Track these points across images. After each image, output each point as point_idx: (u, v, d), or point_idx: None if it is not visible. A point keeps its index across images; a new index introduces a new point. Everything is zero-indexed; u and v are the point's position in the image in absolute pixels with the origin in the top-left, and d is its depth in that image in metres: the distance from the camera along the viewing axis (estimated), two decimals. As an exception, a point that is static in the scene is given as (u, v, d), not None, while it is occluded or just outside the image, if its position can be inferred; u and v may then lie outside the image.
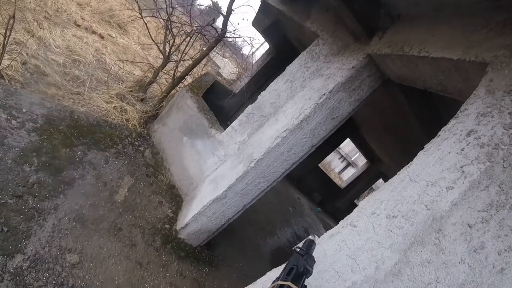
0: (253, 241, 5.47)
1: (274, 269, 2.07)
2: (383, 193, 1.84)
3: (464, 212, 1.45)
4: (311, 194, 11.67)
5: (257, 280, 2.10)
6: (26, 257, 2.44)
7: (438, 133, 1.83)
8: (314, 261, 1.38)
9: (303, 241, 1.52)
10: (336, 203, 12.29)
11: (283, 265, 2.01)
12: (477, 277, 1.32)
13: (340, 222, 1.95)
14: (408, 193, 1.69)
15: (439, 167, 1.65)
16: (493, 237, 1.35)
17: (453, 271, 1.36)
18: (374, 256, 1.60)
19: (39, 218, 2.77)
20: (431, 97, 4.06)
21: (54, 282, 2.45)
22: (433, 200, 1.55)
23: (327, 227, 9.90)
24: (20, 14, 5.11)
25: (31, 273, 2.38)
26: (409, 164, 1.85)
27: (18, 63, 4.32)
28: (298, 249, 1.39)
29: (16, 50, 4.45)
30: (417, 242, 1.49)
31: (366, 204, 1.88)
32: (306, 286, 1.25)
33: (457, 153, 1.62)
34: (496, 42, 1.93)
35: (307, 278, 1.29)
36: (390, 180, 1.88)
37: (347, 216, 1.94)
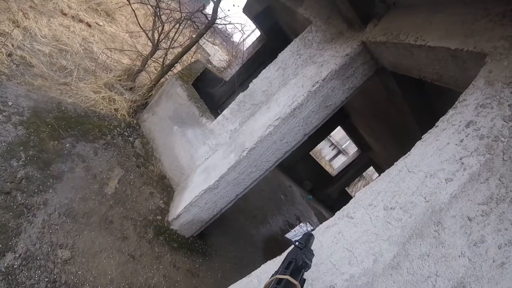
0: (245, 229, 5.49)
1: (269, 261, 2.06)
2: (380, 184, 1.82)
3: (463, 205, 1.44)
4: (302, 182, 11.72)
5: (252, 273, 2.08)
6: (17, 255, 2.38)
7: (436, 123, 1.80)
8: (313, 255, 1.36)
9: (302, 235, 1.50)
10: (327, 190, 12.39)
11: (278, 257, 2.02)
12: (477, 271, 1.31)
13: (336, 213, 1.92)
14: (406, 185, 1.67)
15: (437, 158, 1.63)
16: (493, 231, 1.34)
17: (453, 265, 1.35)
18: (372, 249, 1.58)
19: (28, 214, 2.70)
20: (423, 86, 4.06)
21: (46, 279, 2.40)
22: (432, 192, 1.54)
23: (319, 215, 10.02)
24: (4, 4, 4.92)
25: (23, 271, 2.33)
26: (406, 155, 1.83)
27: (3, 54, 4.17)
28: (297, 243, 1.36)
29: (1, 42, 4.29)
30: (416, 235, 1.47)
31: (363, 195, 1.86)
32: (305, 280, 1.23)
33: (456, 144, 1.60)
34: (496, 32, 1.89)
35: (306, 271, 1.27)
36: (387, 171, 1.86)
37: (344, 207, 1.91)
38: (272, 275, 1.23)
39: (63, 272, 2.54)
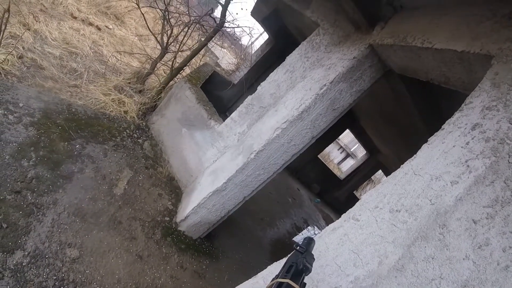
0: (252, 232, 5.49)
1: (275, 262, 2.06)
2: (386, 187, 1.82)
3: (469, 208, 1.43)
4: (310, 185, 11.69)
5: (258, 274, 2.09)
6: (26, 253, 2.43)
7: (442, 126, 1.80)
8: (314, 259, 1.38)
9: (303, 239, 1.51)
10: (335, 194, 12.32)
11: (284, 259, 2.02)
12: (482, 274, 1.31)
13: (342, 216, 1.93)
14: (412, 187, 1.67)
15: (443, 161, 1.63)
16: (498, 234, 1.33)
17: (457, 267, 1.35)
18: (377, 251, 1.58)
19: (38, 214, 2.75)
20: (431, 88, 4.03)
21: (54, 277, 2.44)
22: (437, 194, 1.53)
23: (327, 218, 9.97)
24: (15, 7, 5.02)
25: (32, 269, 2.37)
26: (412, 157, 1.82)
27: (14, 57, 4.25)
28: (297, 247, 1.38)
29: (12, 44, 4.38)
30: (421, 237, 1.47)
31: (369, 198, 1.86)
32: (305, 283, 1.25)
33: (462, 147, 1.60)
34: (502, 34, 1.88)
35: (307, 275, 1.29)
36: (393, 173, 1.86)
37: (350, 210, 1.92)
38: (273, 279, 1.25)
39: (71, 271, 2.58)
